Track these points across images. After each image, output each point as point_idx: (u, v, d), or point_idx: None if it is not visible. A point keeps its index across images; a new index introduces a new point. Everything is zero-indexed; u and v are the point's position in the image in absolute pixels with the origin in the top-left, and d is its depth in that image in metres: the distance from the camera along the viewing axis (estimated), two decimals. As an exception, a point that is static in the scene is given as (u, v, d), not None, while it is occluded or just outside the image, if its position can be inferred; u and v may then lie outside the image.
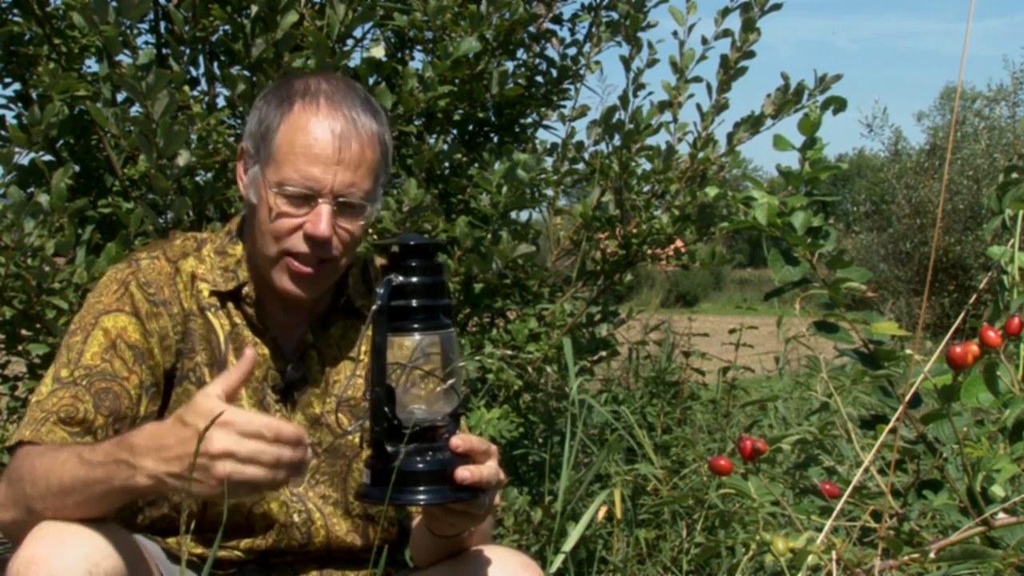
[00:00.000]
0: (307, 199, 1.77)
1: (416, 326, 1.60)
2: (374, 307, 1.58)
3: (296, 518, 1.86)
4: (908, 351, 2.14)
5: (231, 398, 1.49)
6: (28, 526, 1.60)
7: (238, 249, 1.88)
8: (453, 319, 1.68)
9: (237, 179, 1.89)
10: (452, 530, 1.72)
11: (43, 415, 1.71)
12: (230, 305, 1.87)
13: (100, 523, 1.60)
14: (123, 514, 1.84)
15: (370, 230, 3.05)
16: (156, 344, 1.81)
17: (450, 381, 1.61)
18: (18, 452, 1.69)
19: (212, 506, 1.82)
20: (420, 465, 1.57)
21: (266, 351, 1.87)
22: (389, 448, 1.58)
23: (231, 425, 1.44)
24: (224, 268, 1.87)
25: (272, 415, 1.84)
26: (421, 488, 1.57)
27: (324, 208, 1.76)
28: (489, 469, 1.60)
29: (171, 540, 1.86)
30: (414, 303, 1.59)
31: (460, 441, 1.59)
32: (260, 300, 1.88)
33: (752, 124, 3.54)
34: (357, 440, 1.88)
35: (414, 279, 1.60)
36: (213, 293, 1.87)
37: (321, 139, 1.76)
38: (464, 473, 1.58)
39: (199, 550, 1.83)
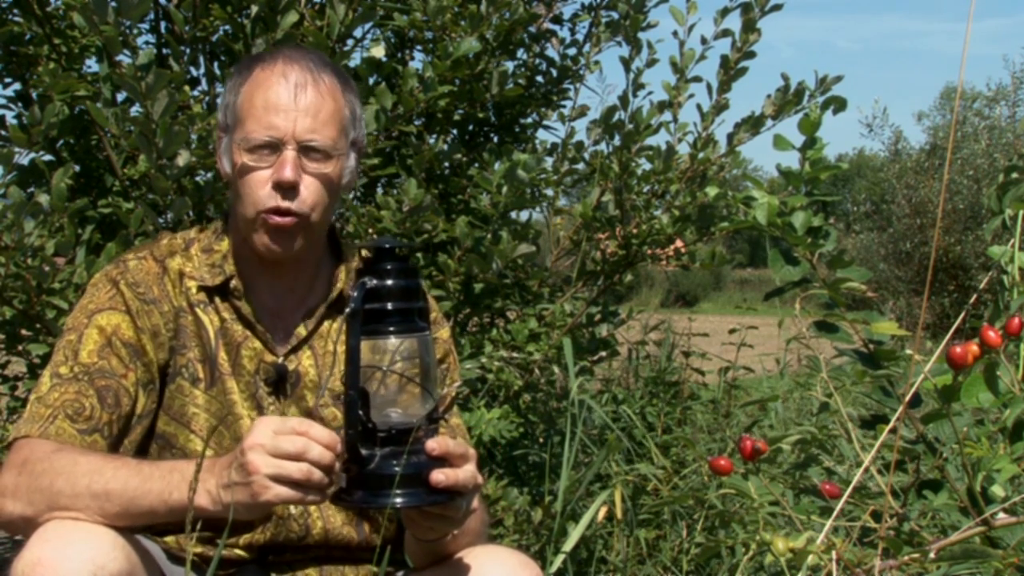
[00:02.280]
0: (272, 148, 1.79)
1: (392, 329, 1.60)
2: (347, 310, 1.58)
3: (293, 510, 1.86)
4: (908, 351, 2.14)
5: None
6: (36, 522, 1.61)
7: (224, 244, 1.90)
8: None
9: (217, 160, 1.91)
10: (432, 534, 1.71)
11: (49, 411, 1.72)
12: (218, 300, 1.88)
13: (106, 525, 1.61)
14: None
15: (369, 230, 3.05)
16: (149, 341, 1.82)
17: (426, 384, 1.61)
18: (31, 444, 1.69)
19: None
20: (396, 468, 1.57)
21: (256, 344, 1.87)
22: (364, 451, 1.58)
23: (265, 422, 1.56)
24: (211, 264, 1.88)
25: (265, 408, 1.85)
26: (397, 491, 1.57)
27: (288, 154, 1.79)
28: (465, 473, 1.60)
29: (169, 540, 1.86)
30: (389, 306, 1.59)
31: (436, 444, 1.59)
32: (249, 292, 1.88)
33: (752, 125, 3.54)
34: None
35: (388, 282, 1.60)
36: (201, 289, 1.87)
37: (277, 88, 1.80)
38: (439, 476, 1.57)
39: (198, 549, 1.83)
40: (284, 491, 1.53)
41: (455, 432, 1.94)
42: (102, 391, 1.75)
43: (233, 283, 1.87)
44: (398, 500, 1.57)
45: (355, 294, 1.58)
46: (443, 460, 1.59)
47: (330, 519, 1.89)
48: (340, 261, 1.95)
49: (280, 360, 1.88)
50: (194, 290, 1.87)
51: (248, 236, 1.84)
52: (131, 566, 1.60)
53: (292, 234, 1.82)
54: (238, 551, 1.86)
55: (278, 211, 1.80)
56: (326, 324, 1.92)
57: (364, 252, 1.64)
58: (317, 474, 1.53)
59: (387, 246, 1.62)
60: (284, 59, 1.83)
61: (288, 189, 1.79)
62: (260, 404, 1.86)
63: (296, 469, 1.52)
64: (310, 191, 1.81)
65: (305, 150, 1.80)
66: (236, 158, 1.82)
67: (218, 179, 3.05)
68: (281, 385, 1.88)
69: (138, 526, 1.67)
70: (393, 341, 1.60)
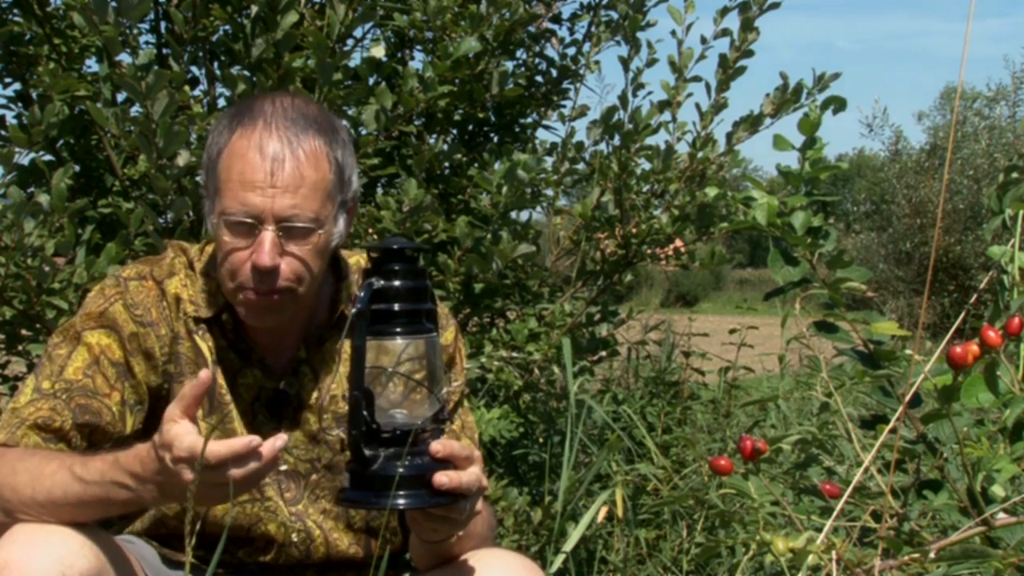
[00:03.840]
0: (250, 227, 1.71)
1: (398, 330, 1.59)
2: (354, 310, 1.57)
3: (295, 538, 1.85)
4: (908, 351, 2.14)
5: (192, 416, 1.51)
6: (1, 527, 1.60)
7: (219, 273, 1.84)
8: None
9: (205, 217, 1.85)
10: (435, 536, 1.70)
11: (18, 421, 1.70)
12: (215, 328, 1.84)
13: (76, 524, 1.60)
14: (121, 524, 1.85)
15: (370, 230, 3.05)
16: (140, 363, 1.79)
17: (432, 386, 1.61)
18: None
19: (210, 523, 1.81)
20: (400, 470, 1.56)
21: (256, 370, 1.84)
22: (367, 452, 1.57)
23: (185, 459, 1.48)
24: (207, 292, 1.83)
25: (266, 434, 1.82)
26: (400, 493, 1.56)
27: (266, 235, 1.70)
28: (470, 475, 1.59)
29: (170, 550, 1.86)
30: (396, 307, 1.59)
31: (440, 446, 1.58)
32: (245, 325, 1.83)
33: (751, 123, 3.54)
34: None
35: (396, 283, 1.59)
36: (197, 320, 1.83)
37: (253, 163, 1.70)
38: (442, 479, 1.56)
39: (199, 552, 1.82)
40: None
41: (463, 430, 1.92)
42: (79, 409, 1.71)
43: (224, 316, 1.82)
44: (400, 501, 1.56)
45: (361, 294, 1.57)
46: (447, 462, 1.59)
47: (334, 543, 1.87)
48: (341, 280, 1.89)
49: (280, 385, 1.84)
50: (192, 315, 1.83)
51: (232, 302, 1.79)
52: (101, 565, 1.58)
53: (274, 309, 1.76)
54: (238, 558, 1.86)
55: (258, 292, 1.74)
56: (327, 345, 1.87)
57: (372, 252, 1.62)
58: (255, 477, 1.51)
59: (395, 247, 1.60)
60: (264, 124, 1.72)
61: (266, 273, 1.71)
62: (260, 431, 1.80)
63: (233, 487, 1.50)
64: (291, 269, 1.72)
65: (286, 230, 1.71)
66: (215, 230, 1.75)
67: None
68: (283, 410, 1.85)
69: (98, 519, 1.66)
70: (399, 342, 1.59)
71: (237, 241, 1.72)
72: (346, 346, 1.83)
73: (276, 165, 1.70)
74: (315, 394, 1.86)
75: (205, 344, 1.83)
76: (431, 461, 1.58)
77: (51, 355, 1.77)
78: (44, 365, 1.76)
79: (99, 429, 1.73)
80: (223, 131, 1.76)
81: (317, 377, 1.87)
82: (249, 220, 1.70)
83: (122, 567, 1.66)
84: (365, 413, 1.57)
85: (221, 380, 1.82)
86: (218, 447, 1.47)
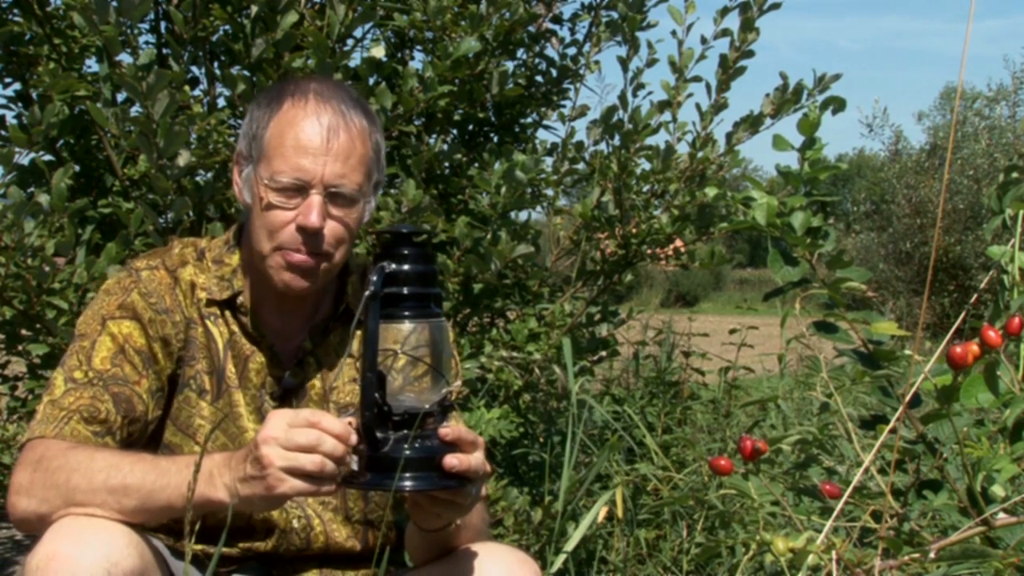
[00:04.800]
0: (299, 190, 1.78)
1: (407, 314, 1.60)
2: (367, 292, 1.58)
3: (296, 524, 1.87)
4: (908, 351, 2.14)
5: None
6: (51, 519, 1.61)
7: (234, 258, 1.90)
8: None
9: (233, 184, 1.91)
10: (438, 521, 1.72)
11: (63, 413, 1.72)
12: (227, 313, 1.88)
13: (117, 521, 1.61)
14: None
15: (369, 230, 3.05)
16: (160, 350, 1.82)
17: (440, 370, 1.62)
18: (46, 443, 1.69)
19: (212, 515, 1.82)
20: (408, 452, 1.57)
21: (263, 359, 1.88)
22: (378, 434, 1.58)
23: (279, 415, 1.55)
24: (220, 277, 1.88)
25: None
26: (408, 475, 1.57)
27: (315, 199, 1.78)
28: (476, 459, 1.61)
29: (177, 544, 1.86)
30: (405, 291, 1.60)
31: (448, 430, 1.60)
32: (256, 309, 1.88)
33: (751, 124, 3.54)
34: None
35: (406, 267, 1.61)
36: (211, 302, 1.87)
37: (309, 130, 1.78)
38: (452, 461, 1.58)
39: (199, 547, 1.83)
40: (298, 484, 1.53)
41: None
42: (116, 397, 1.75)
43: (240, 299, 1.87)
44: (409, 484, 1.57)
45: (374, 277, 1.59)
46: (455, 446, 1.60)
47: (333, 534, 1.89)
48: (347, 274, 1.94)
49: (286, 375, 1.88)
50: (205, 301, 1.87)
51: (264, 270, 1.83)
52: (144, 563, 1.60)
53: (311, 272, 1.81)
54: (238, 551, 1.87)
55: (299, 252, 1.80)
56: (331, 337, 1.92)
57: (384, 236, 1.64)
58: (330, 465, 1.53)
59: (405, 231, 1.63)
60: (315, 97, 1.81)
61: (312, 235, 1.79)
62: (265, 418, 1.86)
63: (309, 461, 1.52)
64: (333, 235, 1.80)
65: (332, 196, 1.79)
66: (260, 193, 1.80)
67: (218, 179, 3.05)
68: (286, 399, 1.88)
69: (153, 522, 1.67)
70: (408, 326, 1.60)
71: (283, 203, 1.79)
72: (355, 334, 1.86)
73: (331, 134, 1.79)
74: (319, 384, 1.89)
75: (217, 329, 1.87)
76: (440, 444, 1.60)
77: (76, 348, 1.80)
78: (71, 356, 1.79)
79: (135, 420, 1.76)
80: (271, 105, 1.83)
81: (321, 368, 1.91)
82: (299, 183, 1.78)
83: (161, 566, 1.68)
84: (377, 395, 1.58)
85: (230, 366, 1.86)
86: (314, 413, 1.55)
